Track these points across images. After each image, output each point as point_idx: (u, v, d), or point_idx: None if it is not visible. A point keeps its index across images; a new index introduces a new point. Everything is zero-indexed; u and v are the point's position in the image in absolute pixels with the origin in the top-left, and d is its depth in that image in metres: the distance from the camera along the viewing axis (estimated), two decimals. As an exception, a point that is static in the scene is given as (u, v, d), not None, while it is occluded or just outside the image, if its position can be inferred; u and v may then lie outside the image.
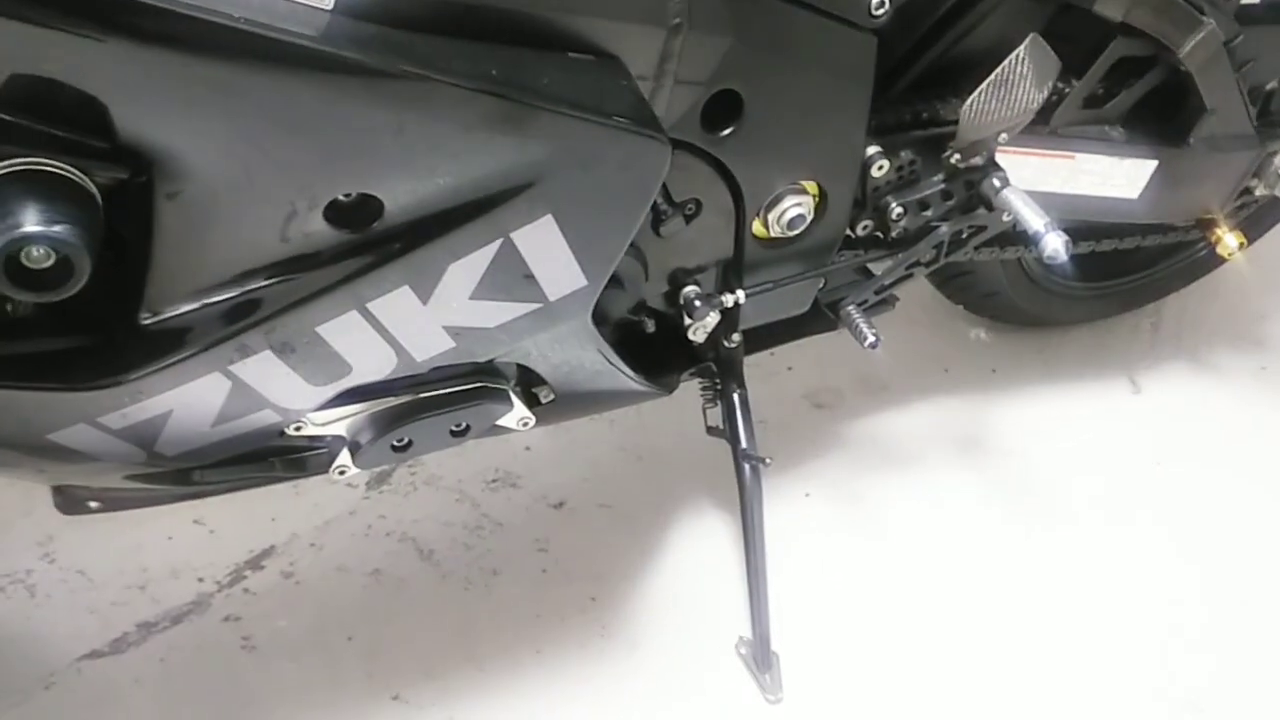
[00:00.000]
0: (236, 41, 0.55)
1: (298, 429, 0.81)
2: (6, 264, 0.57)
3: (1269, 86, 1.16)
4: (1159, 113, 1.08)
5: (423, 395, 0.83)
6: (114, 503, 0.92)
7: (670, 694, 1.08)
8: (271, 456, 0.87)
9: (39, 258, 0.57)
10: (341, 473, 0.86)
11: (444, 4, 0.63)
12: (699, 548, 1.20)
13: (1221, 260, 1.31)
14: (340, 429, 0.83)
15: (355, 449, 0.84)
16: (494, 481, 1.26)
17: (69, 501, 0.91)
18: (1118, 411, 1.38)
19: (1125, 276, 1.39)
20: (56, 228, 0.56)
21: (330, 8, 0.59)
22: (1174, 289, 1.45)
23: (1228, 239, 1.23)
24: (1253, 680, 1.11)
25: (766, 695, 1.08)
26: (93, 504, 0.91)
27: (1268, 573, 1.20)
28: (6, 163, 0.57)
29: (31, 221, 0.55)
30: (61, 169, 0.58)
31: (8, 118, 0.56)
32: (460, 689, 1.07)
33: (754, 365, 1.13)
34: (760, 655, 1.09)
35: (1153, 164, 1.10)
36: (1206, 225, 1.24)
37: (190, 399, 0.72)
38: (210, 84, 0.57)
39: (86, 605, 1.12)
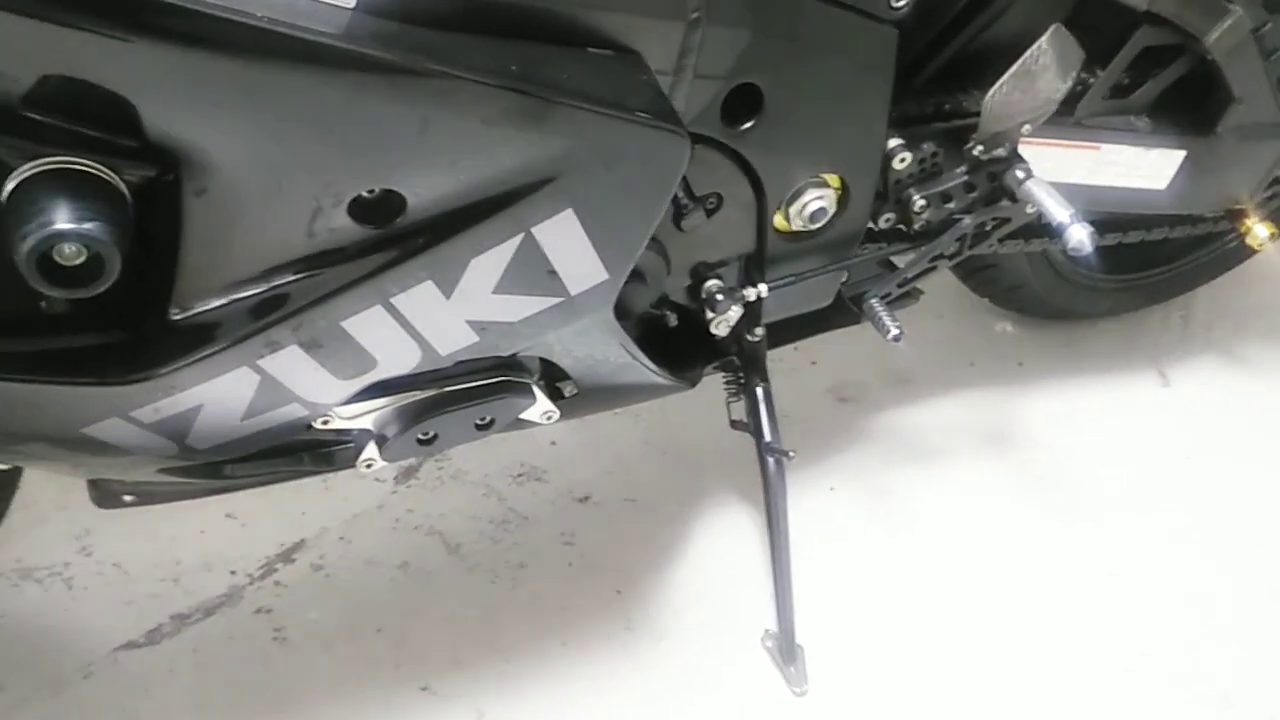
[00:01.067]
0: (261, 41, 0.56)
1: (325, 423, 0.82)
2: (40, 261, 0.58)
3: (1299, 74, 1.15)
4: (1186, 102, 1.07)
5: (447, 389, 0.84)
6: (148, 497, 0.94)
7: (696, 686, 1.08)
8: (300, 451, 0.89)
9: (71, 255, 0.59)
10: (369, 466, 0.88)
11: (465, 1, 0.63)
12: (724, 541, 1.20)
13: (1252, 251, 1.29)
14: (367, 423, 0.84)
15: (382, 442, 0.86)
16: (520, 476, 1.27)
17: (104, 496, 0.93)
18: (1146, 404, 1.37)
19: (1153, 268, 1.38)
20: (87, 225, 0.57)
21: (352, 6, 0.60)
22: (1204, 281, 1.44)
23: (1258, 230, 1.22)
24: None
25: (792, 688, 1.08)
26: (127, 498, 0.93)
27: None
28: (38, 162, 0.58)
29: (63, 219, 0.57)
30: (92, 167, 0.59)
31: (39, 118, 0.58)
32: (487, 680, 1.08)
33: (777, 360, 1.13)
34: (785, 648, 1.09)
35: (1180, 154, 1.10)
36: (1236, 216, 1.22)
37: (220, 393, 0.73)
38: (235, 83, 0.58)
39: (122, 597, 1.14)
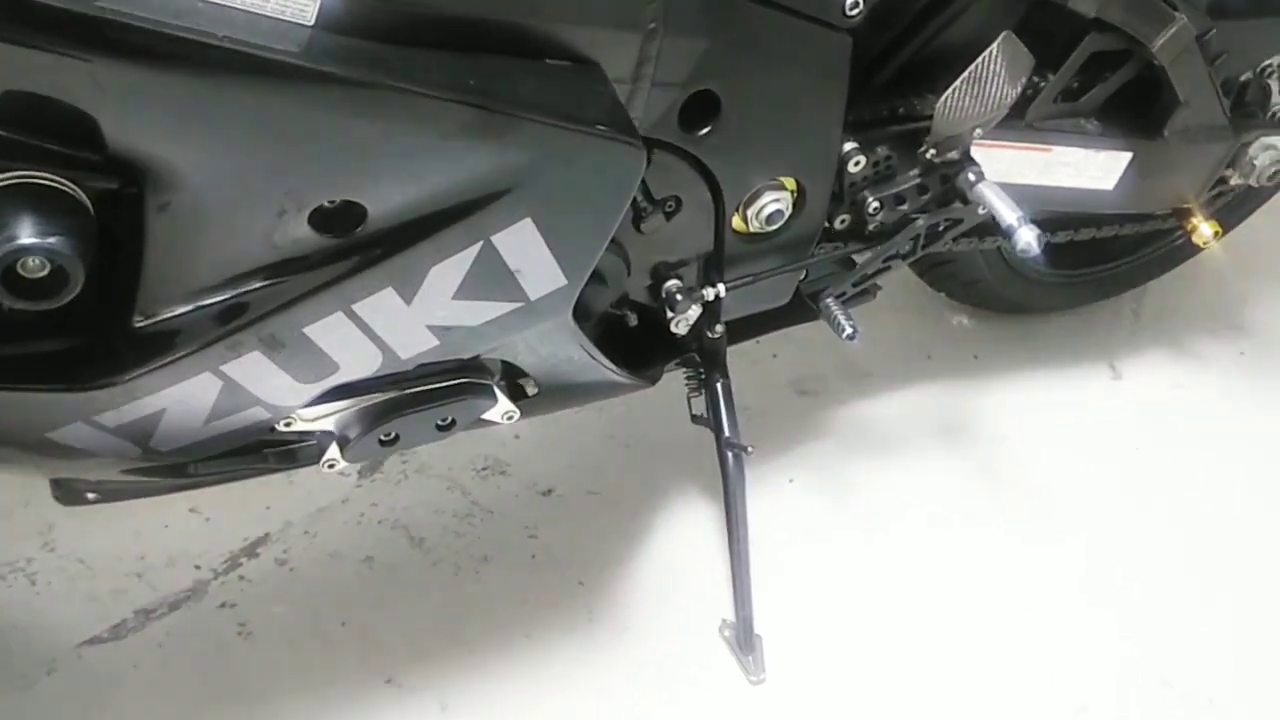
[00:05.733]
0: (221, 60, 0.57)
1: (288, 425, 0.83)
2: (4, 274, 0.59)
3: (1242, 78, 1.17)
4: (1133, 106, 1.10)
5: (409, 391, 0.85)
6: (111, 494, 0.94)
7: (656, 675, 1.11)
8: (264, 449, 0.90)
9: (34, 268, 0.59)
10: (331, 466, 0.89)
11: (423, 17, 0.64)
12: (685, 533, 1.22)
13: (1199, 248, 1.32)
14: (329, 424, 0.85)
15: (344, 443, 0.87)
16: (484, 470, 1.28)
17: (68, 493, 0.93)
18: (1098, 397, 1.40)
19: (1104, 264, 1.41)
20: (51, 239, 0.58)
21: (311, 23, 0.60)
22: (1153, 276, 1.47)
23: (1203, 228, 1.24)
24: (1234, 659, 1.14)
25: (749, 676, 1.10)
26: (90, 495, 0.94)
27: (1246, 554, 1.23)
28: (2, 176, 0.59)
29: (27, 234, 0.58)
30: (55, 181, 0.60)
31: (2, 133, 0.58)
32: (452, 672, 1.10)
33: (740, 352, 1.15)
34: (743, 637, 1.12)
35: (1128, 156, 1.12)
36: (1183, 214, 1.25)
37: (183, 398, 0.74)
38: (197, 100, 0.58)
39: (86, 593, 1.15)
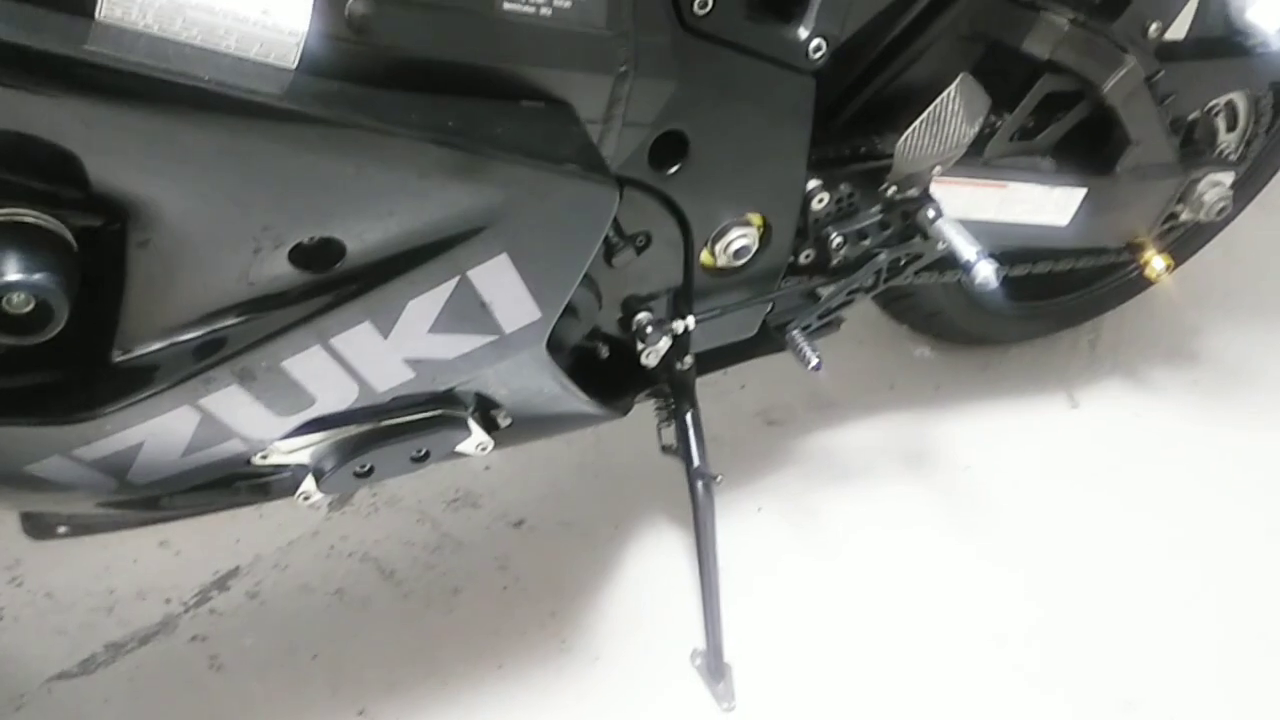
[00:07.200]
0: (208, 102, 0.58)
1: (264, 457, 0.84)
2: (-13, 310, 0.60)
3: (1190, 118, 1.22)
4: (1086, 144, 1.13)
5: (384, 424, 0.86)
6: (82, 527, 0.94)
7: (628, 705, 1.12)
8: (237, 482, 0.90)
9: (19, 304, 0.60)
10: (306, 499, 0.90)
11: (402, 60, 0.66)
12: (655, 563, 1.24)
13: (1151, 281, 1.36)
14: (304, 457, 0.86)
15: (319, 475, 0.88)
16: (454, 501, 1.29)
17: (37, 527, 0.93)
18: (1056, 426, 1.44)
19: (1061, 296, 1.45)
20: (36, 276, 0.59)
21: (294, 66, 0.62)
22: (1109, 307, 1.51)
23: (1155, 262, 1.28)
24: (1193, 681, 1.17)
25: (720, 704, 1.12)
26: (61, 529, 0.94)
27: (1198, 576, 1.26)
28: (-13, 214, 0.60)
29: (13, 270, 0.59)
30: (40, 219, 0.61)
31: (-11, 172, 0.59)
32: (424, 704, 1.10)
33: (709, 384, 1.17)
34: (714, 666, 1.13)
35: (1081, 192, 1.16)
36: (1135, 249, 1.29)
37: (160, 431, 0.75)
38: (182, 141, 0.60)
39: (55, 627, 1.14)
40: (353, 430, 0.86)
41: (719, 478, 1.14)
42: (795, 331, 1.10)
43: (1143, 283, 1.45)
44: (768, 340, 1.13)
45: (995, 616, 1.21)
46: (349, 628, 1.16)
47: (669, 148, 0.87)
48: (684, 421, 1.14)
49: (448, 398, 0.88)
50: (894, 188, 1.02)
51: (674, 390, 1.14)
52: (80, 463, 0.74)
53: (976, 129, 1.01)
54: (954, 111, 0.98)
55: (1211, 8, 1.20)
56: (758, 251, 0.99)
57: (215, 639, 1.15)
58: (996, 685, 1.15)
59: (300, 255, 0.70)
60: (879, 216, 1.05)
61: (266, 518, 1.25)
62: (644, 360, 1.04)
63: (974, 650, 1.18)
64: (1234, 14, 1.05)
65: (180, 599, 1.18)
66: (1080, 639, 1.20)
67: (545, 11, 0.71)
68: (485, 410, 0.95)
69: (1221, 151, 1.29)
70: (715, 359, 1.14)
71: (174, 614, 1.17)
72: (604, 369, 1.05)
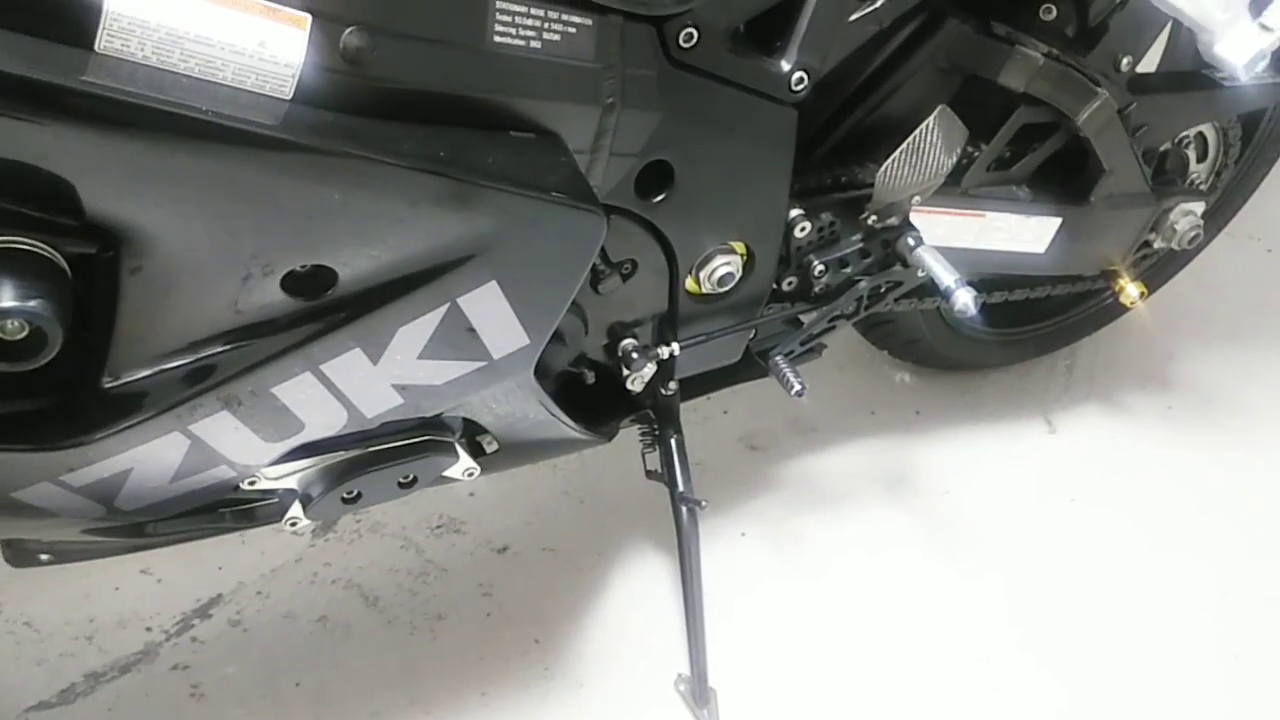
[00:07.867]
0: (204, 132, 0.59)
1: (252, 483, 0.84)
2: (-19, 337, 0.60)
3: (1162, 149, 1.25)
4: (1062, 174, 1.16)
5: (372, 449, 0.87)
6: (65, 555, 0.94)
7: (612, 731, 1.12)
8: (223, 508, 0.90)
9: (13, 330, 0.61)
10: (293, 524, 0.90)
11: (395, 91, 0.68)
12: (640, 588, 1.24)
13: (1127, 308, 1.39)
14: (292, 482, 0.87)
15: (306, 501, 0.88)
16: (438, 527, 1.29)
17: (19, 555, 0.93)
18: (1034, 450, 1.45)
19: (1038, 323, 1.47)
20: (32, 303, 0.59)
21: (290, 97, 0.63)
22: (1085, 334, 1.53)
23: (1129, 289, 1.30)
24: (1174, 700, 1.18)
25: (705, 729, 1.12)
26: (44, 557, 0.93)
27: (1177, 596, 1.27)
28: (-17, 241, 0.61)
29: (8, 297, 0.59)
30: (35, 246, 0.61)
31: (-15, 200, 0.60)
32: (408, 731, 1.10)
33: (692, 410, 1.18)
34: (698, 691, 1.13)
35: (1057, 221, 1.18)
36: (1110, 276, 1.31)
37: (150, 457, 0.75)
38: (177, 170, 0.61)
39: (34, 657, 1.13)
40: (340, 456, 0.86)
41: (703, 503, 1.14)
42: (778, 357, 1.11)
43: (1117, 309, 1.47)
44: (751, 366, 1.14)
45: (977, 638, 1.22)
46: (332, 655, 1.16)
47: (655, 177, 0.88)
48: (668, 447, 1.15)
49: (435, 423, 0.89)
50: (874, 216, 1.04)
51: (659, 416, 1.15)
52: (68, 488, 0.74)
53: (954, 159, 1.03)
54: (933, 142, 1.00)
55: (1181, 42, 1.23)
56: (741, 279, 1.00)
57: (197, 668, 1.14)
58: (979, 706, 1.16)
59: (292, 283, 0.70)
60: (860, 244, 1.06)
61: (249, 544, 1.24)
62: (629, 386, 1.05)
63: (957, 672, 1.19)
64: (1203, 48, 1.07)
65: (161, 627, 1.17)
66: (1062, 660, 1.21)
67: (535, 45, 0.72)
68: (472, 436, 0.96)
69: (1193, 181, 1.32)
70: (699, 385, 1.15)
71: (155, 642, 1.16)
72: (589, 395, 1.06)
